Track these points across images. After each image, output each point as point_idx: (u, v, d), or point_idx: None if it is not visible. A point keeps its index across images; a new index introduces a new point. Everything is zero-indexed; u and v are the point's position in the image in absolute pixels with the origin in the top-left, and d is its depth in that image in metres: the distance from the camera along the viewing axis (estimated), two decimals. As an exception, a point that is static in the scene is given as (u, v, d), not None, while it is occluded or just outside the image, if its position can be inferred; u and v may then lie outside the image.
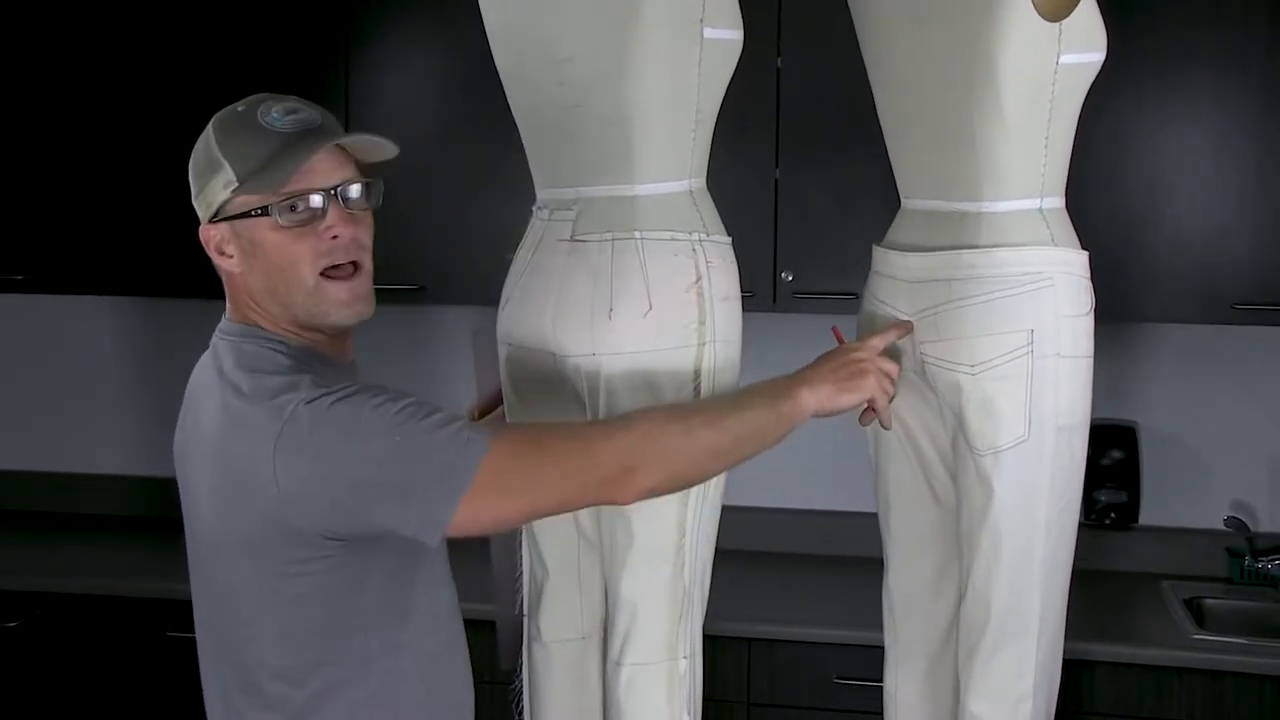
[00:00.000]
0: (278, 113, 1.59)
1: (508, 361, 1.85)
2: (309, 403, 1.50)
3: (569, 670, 1.89)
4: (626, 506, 1.65)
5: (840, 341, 1.79)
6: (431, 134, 3.18)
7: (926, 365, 1.78)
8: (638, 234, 1.70)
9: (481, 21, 1.82)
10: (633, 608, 1.75)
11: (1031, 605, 1.76)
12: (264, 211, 1.57)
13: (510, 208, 1.86)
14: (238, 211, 1.58)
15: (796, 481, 3.41)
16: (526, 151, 1.85)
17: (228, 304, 1.68)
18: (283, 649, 1.60)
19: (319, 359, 1.62)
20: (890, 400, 1.74)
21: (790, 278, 3.04)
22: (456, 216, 3.12)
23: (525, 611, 1.92)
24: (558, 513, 1.67)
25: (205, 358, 1.67)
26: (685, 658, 1.76)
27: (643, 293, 1.69)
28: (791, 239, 3.04)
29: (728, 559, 1.90)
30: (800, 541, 3.41)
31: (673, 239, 1.71)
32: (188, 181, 1.64)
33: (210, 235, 1.61)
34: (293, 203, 1.56)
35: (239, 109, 1.61)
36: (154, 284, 3.30)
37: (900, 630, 1.97)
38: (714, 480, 1.75)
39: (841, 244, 2.97)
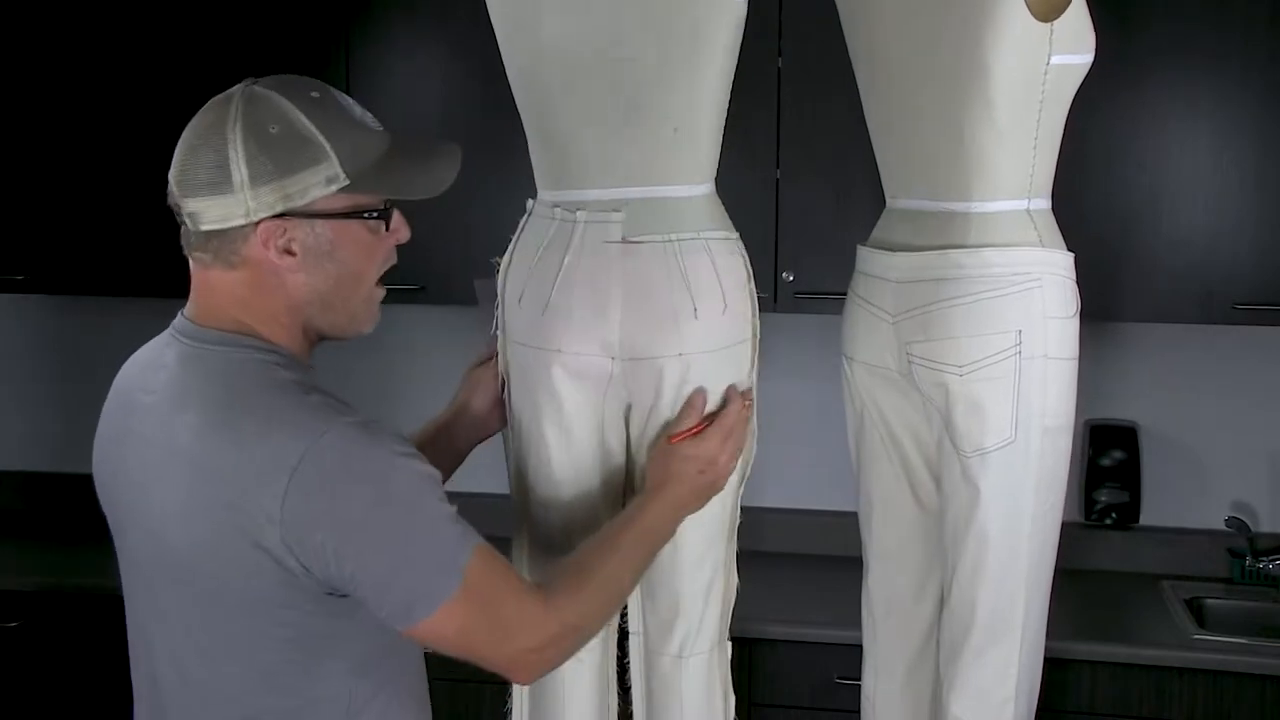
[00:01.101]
0: (356, 106, 1.51)
1: (550, 368, 1.77)
2: (331, 435, 1.39)
3: (596, 673, 1.90)
4: None
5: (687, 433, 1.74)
6: (433, 134, 3.18)
7: (913, 365, 1.78)
8: (702, 234, 1.74)
9: (484, 23, 1.81)
10: (700, 602, 1.83)
11: (1016, 607, 1.76)
12: (373, 215, 1.49)
13: (512, 208, 1.85)
14: (334, 210, 1.46)
15: (797, 482, 3.41)
16: (540, 153, 1.80)
17: (204, 306, 1.51)
18: (257, 690, 1.47)
19: (302, 368, 1.52)
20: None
21: (791, 278, 3.04)
22: (458, 217, 3.13)
23: None
24: (465, 658, 1.52)
25: (154, 360, 1.52)
26: (729, 638, 1.91)
27: (718, 292, 1.73)
28: (792, 239, 3.04)
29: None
30: (801, 542, 3.42)
31: (726, 238, 1.77)
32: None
33: (282, 231, 1.44)
34: (393, 210, 1.52)
35: (313, 95, 1.46)
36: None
37: (880, 633, 1.97)
38: (750, 461, 1.82)
39: (842, 244, 2.92)
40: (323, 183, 1.43)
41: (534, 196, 1.83)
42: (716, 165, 1.79)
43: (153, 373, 1.52)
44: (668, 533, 1.71)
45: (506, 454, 1.93)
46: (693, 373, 1.74)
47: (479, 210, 3.08)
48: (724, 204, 1.83)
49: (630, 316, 1.72)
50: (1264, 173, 2.88)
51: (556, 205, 1.76)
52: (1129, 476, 3.24)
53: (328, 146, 1.43)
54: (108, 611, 3.13)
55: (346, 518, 1.39)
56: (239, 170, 1.41)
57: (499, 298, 1.83)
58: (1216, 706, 2.74)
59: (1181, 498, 3.28)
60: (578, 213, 1.73)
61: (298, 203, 1.43)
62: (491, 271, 1.84)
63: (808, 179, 3.03)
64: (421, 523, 1.43)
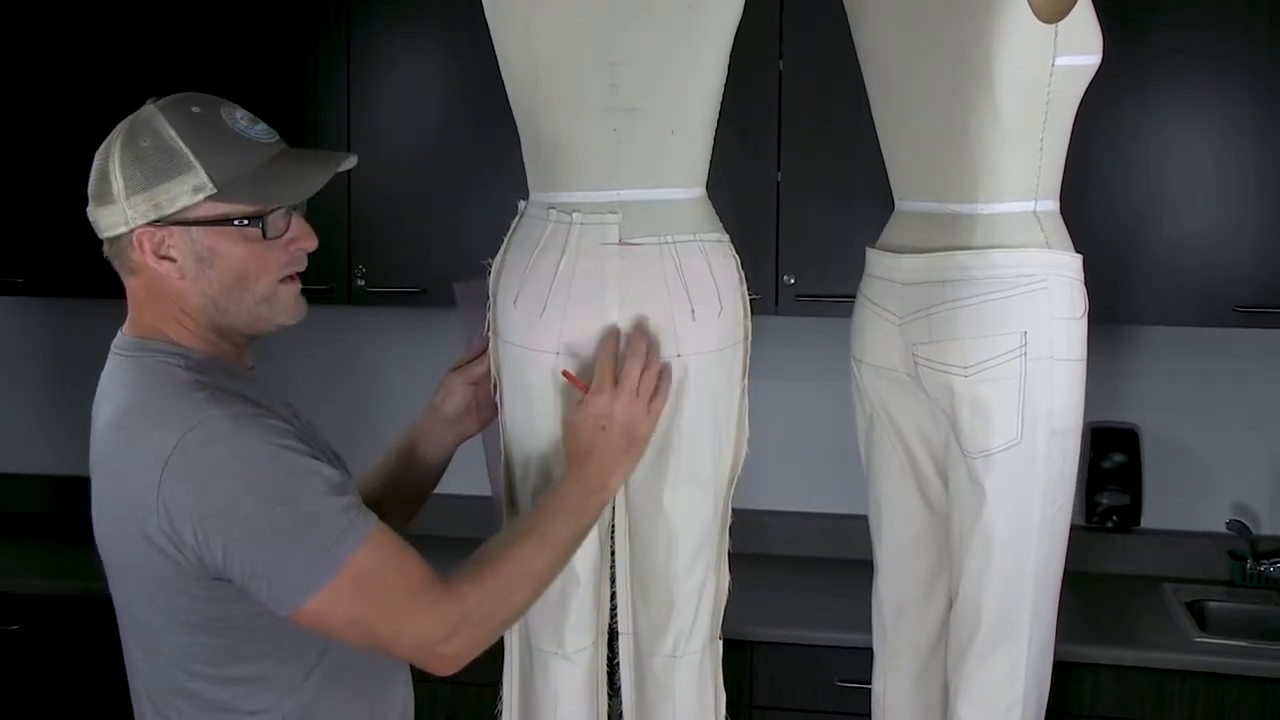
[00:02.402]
0: (243, 120, 1.57)
1: (545, 369, 1.77)
2: (201, 428, 1.46)
3: (588, 674, 1.90)
4: (669, 507, 1.78)
5: (575, 384, 1.73)
6: (433, 138, 3.19)
7: (919, 367, 1.78)
8: (697, 236, 1.74)
9: (484, 25, 1.81)
10: (693, 602, 1.83)
11: (1023, 610, 1.76)
12: (244, 222, 1.53)
13: (511, 211, 1.84)
14: (203, 218, 1.52)
15: (798, 484, 3.41)
16: (534, 155, 1.80)
17: (130, 314, 1.63)
18: (186, 672, 1.55)
19: (220, 369, 1.58)
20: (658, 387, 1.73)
21: (792, 280, 3.04)
22: (457, 220, 3.13)
23: (539, 629, 1.90)
24: (370, 648, 1.57)
25: (104, 373, 1.63)
26: (719, 637, 1.90)
27: (714, 294, 1.74)
28: (793, 242, 3.04)
29: (730, 561, 1.90)
30: (802, 544, 3.42)
31: (719, 240, 1.78)
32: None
33: (153, 237, 1.53)
34: (274, 218, 1.55)
35: (195, 110, 1.55)
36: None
37: (890, 635, 1.96)
38: (740, 461, 1.83)
39: (843, 247, 2.95)
40: (190, 191, 1.51)
41: (526, 198, 1.83)
42: (709, 168, 1.79)
43: (101, 386, 1.63)
44: (591, 506, 1.69)
45: (487, 455, 1.93)
46: (689, 374, 1.75)
47: (478, 213, 3.09)
48: (725, 206, 1.83)
49: (627, 318, 1.73)
50: (1265, 175, 2.88)
51: (551, 207, 1.76)
52: (1130, 479, 3.24)
53: (193, 158, 1.51)
54: (107, 615, 3.13)
55: (214, 506, 1.45)
56: (117, 182, 1.53)
57: (490, 299, 1.83)
58: (1217, 709, 2.74)
59: (1182, 500, 3.28)
60: (573, 214, 1.73)
61: (167, 210, 1.52)
62: (483, 273, 1.84)
63: (809, 181, 3.03)
64: (294, 511, 1.47)
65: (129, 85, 3.20)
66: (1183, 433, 3.28)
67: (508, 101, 1.80)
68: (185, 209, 1.52)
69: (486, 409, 1.90)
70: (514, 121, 1.82)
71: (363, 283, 3.20)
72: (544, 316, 1.74)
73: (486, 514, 1.93)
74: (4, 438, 3.82)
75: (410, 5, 3.18)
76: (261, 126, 1.59)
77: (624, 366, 1.70)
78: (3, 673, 3.20)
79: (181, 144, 1.52)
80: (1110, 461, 3.24)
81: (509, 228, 1.83)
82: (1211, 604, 3.08)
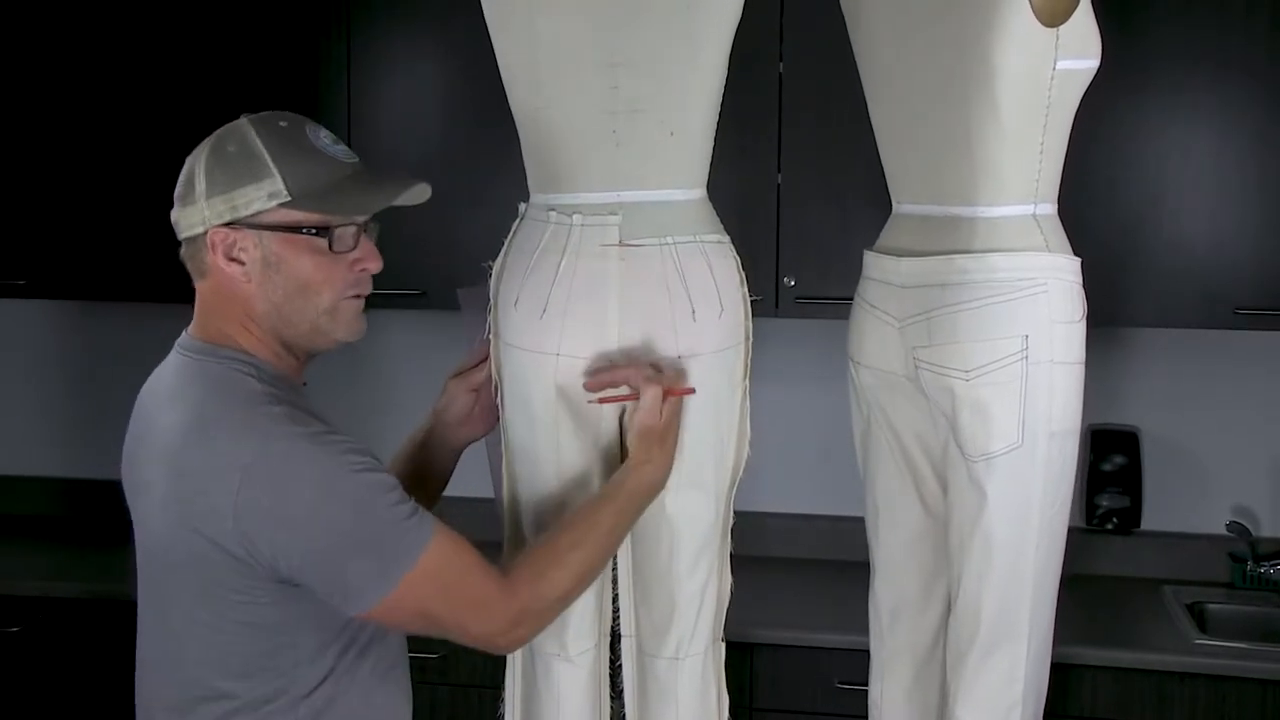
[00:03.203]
0: (326, 139, 1.64)
1: (546, 371, 1.77)
2: (282, 442, 1.52)
3: (591, 676, 1.90)
4: (671, 509, 1.79)
5: (620, 400, 1.75)
6: (434, 140, 3.19)
7: (919, 370, 1.78)
8: (698, 237, 1.75)
9: (484, 27, 1.81)
10: (695, 605, 1.84)
11: (1022, 612, 1.76)
12: (315, 232, 1.59)
13: (512, 212, 1.85)
14: (276, 223, 1.58)
15: (798, 486, 3.41)
16: (534, 157, 1.80)
17: (197, 317, 1.67)
18: (219, 673, 1.60)
19: (287, 384, 1.64)
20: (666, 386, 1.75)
21: (792, 283, 3.04)
22: (459, 222, 3.13)
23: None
24: (437, 635, 1.67)
25: (164, 370, 1.67)
26: (721, 639, 1.92)
27: (715, 295, 1.75)
28: (794, 244, 3.04)
29: (731, 563, 1.90)
30: (802, 546, 3.42)
31: (719, 241, 1.78)
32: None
33: (226, 238, 1.59)
34: (341, 234, 1.61)
35: (281, 124, 1.62)
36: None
37: (887, 638, 1.97)
38: (742, 463, 1.85)
39: (844, 249, 2.95)
40: (265, 197, 1.57)
41: (526, 200, 1.83)
42: (709, 169, 1.80)
43: (159, 381, 1.67)
44: (645, 505, 1.76)
45: (490, 458, 1.94)
46: (689, 375, 1.75)
47: (479, 215, 3.08)
48: (726, 208, 1.84)
49: (628, 319, 1.73)
50: (1265, 177, 2.88)
51: (551, 208, 1.76)
52: (1130, 481, 3.24)
53: (273, 165, 1.58)
54: (109, 617, 3.14)
55: (292, 515, 1.51)
56: (200, 183, 1.60)
57: (491, 301, 1.83)
58: (1218, 711, 2.74)
59: (1183, 502, 3.28)
60: (573, 215, 1.74)
61: (242, 213, 1.58)
62: (484, 276, 1.85)
63: (809, 184, 3.03)
64: (368, 518, 1.54)
65: (130, 87, 3.22)
66: (1183, 435, 3.28)
67: (508, 103, 1.80)
68: (259, 213, 1.58)
69: (489, 414, 1.91)
70: (514, 123, 1.82)
71: (363, 285, 3.20)
72: (544, 318, 1.75)
73: (491, 517, 1.93)
74: (5, 440, 3.82)
75: (411, 7, 3.18)
76: (342, 147, 1.65)
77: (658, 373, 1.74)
78: (3, 674, 3.20)
79: (264, 152, 1.58)
80: (1110, 464, 3.24)
81: (510, 230, 1.84)
82: (1212, 606, 3.08)
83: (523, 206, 1.83)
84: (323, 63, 3.19)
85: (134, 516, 1.69)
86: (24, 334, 3.79)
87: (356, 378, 3.59)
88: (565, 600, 1.69)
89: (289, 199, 1.57)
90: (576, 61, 1.71)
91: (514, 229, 1.83)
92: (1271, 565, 3.13)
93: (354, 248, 1.63)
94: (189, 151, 1.65)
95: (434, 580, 1.57)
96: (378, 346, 3.61)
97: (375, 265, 1.66)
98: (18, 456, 3.80)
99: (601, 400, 1.76)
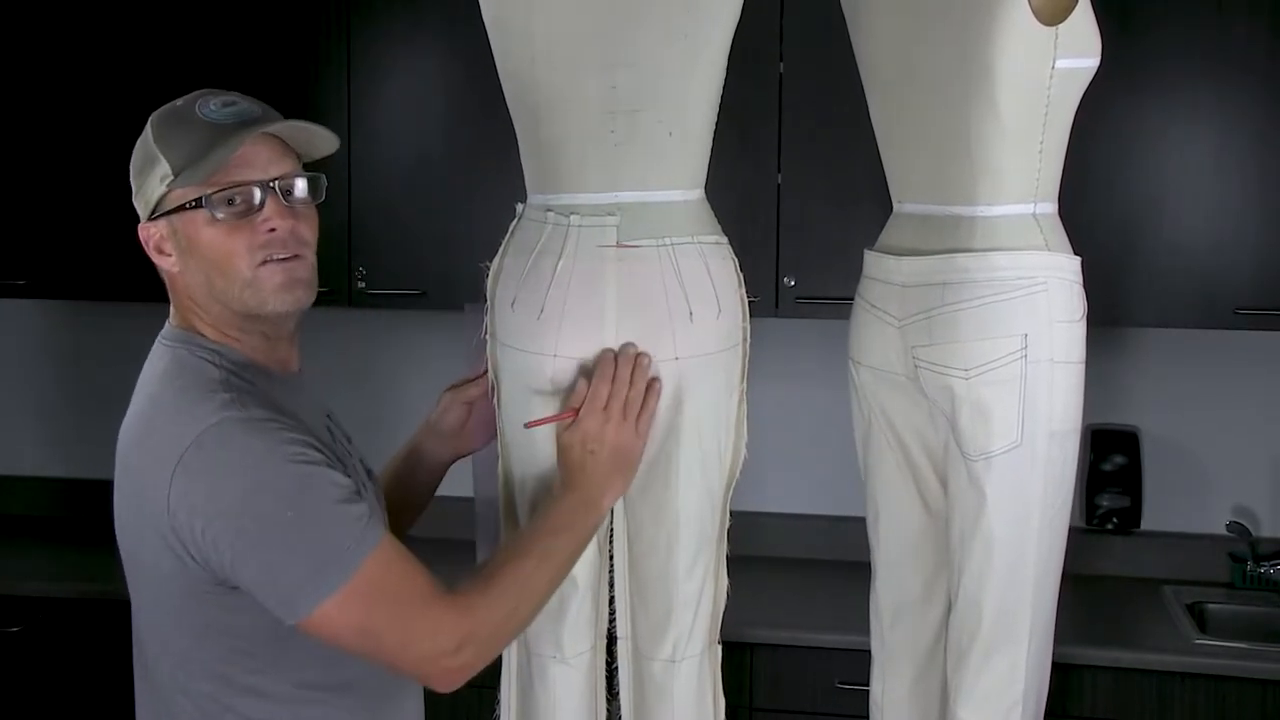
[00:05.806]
0: (215, 105, 1.54)
1: (544, 372, 1.76)
2: (217, 428, 1.45)
3: (587, 678, 1.89)
4: (673, 507, 1.78)
5: (556, 419, 1.73)
6: (433, 139, 3.19)
7: (919, 369, 1.78)
8: (696, 238, 1.74)
9: (483, 26, 1.81)
10: (692, 607, 1.83)
11: (1023, 612, 1.76)
12: (199, 204, 1.50)
13: (512, 212, 1.84)
14: (173, 206, 1.52)
15: (798, 486, 3.41)
16: (532, 157, 1.79)
17: (171, 307, 1.62)
18: (191, 675, 1.54)
19: (258, 371, 1.57)
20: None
21: (792, 283, 3.04)
22: (458, 221, 3.13)
23: (537, 633, 1.90)
24: (376, 661, 1.53)
25: (147, 360, 1.61)
26: (718, 641, 1.89)
27: (713, 296, 1.74)
28: (794, 244, 3.04)
29: (730, 564, 1.90)
30: (802, 546, 3.42)
31: (718, 242, 1.77)
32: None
33: (149, 234, 1.56)
34: (229, 195, 1.51)
35: (178, 104, 1.56)
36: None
37: (888, 638, 1.96)
38: (739, 465, 1.83)
39: (844, 249, 2.94)
40: (158, 182, 1.53)
41: (525, 200, 1.82)
42: (708, 169, 1.79)
43: (143, 373, 1.62)
44: (586, 524, 1.69)
45: (475, 475, 1.93)
46: (687, 377, 1.75)
47: (479, 215, 3.09)
48: (725, 208, 1.83)
49: (626, 320, 1.73)
50: (1265, 177, 2.88)
51: (549, 209, 1.75)
52: (1130, 481, 3.24)
53: (157, 148, 1.53)
54: (109, 617, 3.13)
55: (223, 508, 1.43)
56: (132, 185, 1.58)
57: (488, 302, 1.83)
58: (1218, 711, 2.74)
59: (1183, 502, 3.28)
60: (571, 216, 1.72)
61: (153, 205, 1.54)
62: (483, 276, 1.84)
63: (809, 184, 3.03)
64: (303, 517, 1.45)
65: (130, 87, 3.22)
66: (1183, 435, 3.28)
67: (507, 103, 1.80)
68: (160, 200, 1.53)
69: (483, 428, 1.90)
70: (513, 123, 1.82)
71: (363, 284, 3.20)
72: (541, 319, 1.74)
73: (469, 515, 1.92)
74: (4, 440, 3.82)
75: (411, 7, 3.18)
76: (237, 108, 1.55)
77: (611, 389, 1.69)
78: (4, 675, 3.20)
79: (151, 136, 1.55)
80: (1111, 464, 3.24)
81: (508, 229, 1.83)
82: (1212, 606, 3.08)
83: (520, 207, 1.82)
84: (323, 63, 3.20)
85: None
86: (24, 334, 3.80)
87: (352, 377, 3.59)
88: (513, 624, 1.61)
89: (173, 177, 1.51)
90: (575, 61, 1.70)
91: (511, 229, 1.82)
92: (1271, 565, 3.13)
93: (257, 209, 1.52)
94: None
95: (376, 590, 1.46)
96: (378, 346, 3.62)
97: (278, 223, 1.52)
98: (17, 456, 3.81)
99: (530, 423, 1.72)
